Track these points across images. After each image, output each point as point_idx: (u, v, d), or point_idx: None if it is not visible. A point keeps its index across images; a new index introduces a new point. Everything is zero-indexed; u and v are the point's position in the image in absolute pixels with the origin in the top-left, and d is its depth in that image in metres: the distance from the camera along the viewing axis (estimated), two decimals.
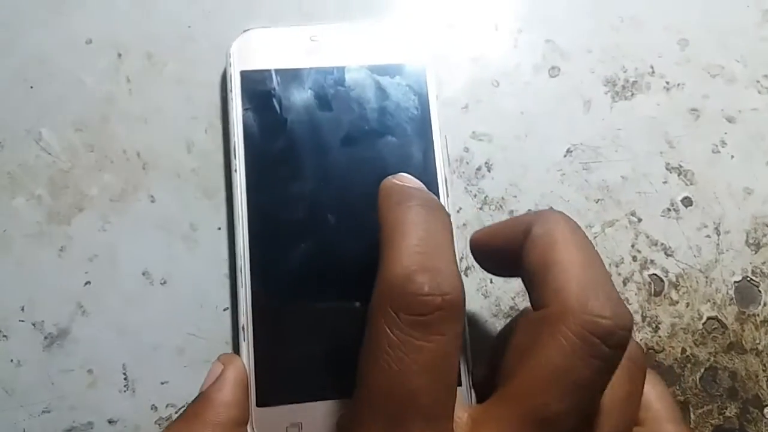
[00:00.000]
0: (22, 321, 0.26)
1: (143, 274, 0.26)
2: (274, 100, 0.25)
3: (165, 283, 0.26)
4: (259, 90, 0.25)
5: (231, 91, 0.25)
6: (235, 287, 0.24)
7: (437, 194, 0.25)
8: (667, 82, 0.30)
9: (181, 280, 0.26)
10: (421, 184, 0.21)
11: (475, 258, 0.23)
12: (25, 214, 0.27)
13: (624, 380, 0.18)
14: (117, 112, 0.28)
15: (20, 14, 0.28)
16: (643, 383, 0.19)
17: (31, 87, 0.28)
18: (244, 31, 0.26)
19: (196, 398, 0.21)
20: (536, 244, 0.18)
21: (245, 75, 0.25)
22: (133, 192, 0.27)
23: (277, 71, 0.25)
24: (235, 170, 0.24)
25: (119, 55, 0.28)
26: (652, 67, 0.30)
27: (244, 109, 0.25)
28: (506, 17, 0.30)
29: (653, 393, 0.21)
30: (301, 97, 0.25)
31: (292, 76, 0.26)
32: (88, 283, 0.26)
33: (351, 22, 0.28)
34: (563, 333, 0.16)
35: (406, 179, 0.21)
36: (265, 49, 0.26)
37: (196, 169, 0.27)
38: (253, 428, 0.22)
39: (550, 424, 0.16)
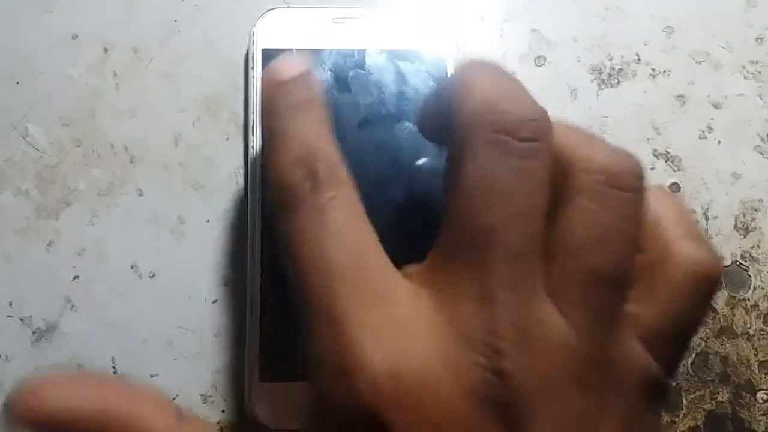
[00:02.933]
0: (10, 316, 0.26)
1: (132, 267, 0.26)
2: None
3: (154, 276, 0.26)
4: None
5: (252, 68, 0.25)
6: (245, 261, 0.24)
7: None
8: (653, 70, 0.30)
9: (170, 273, 0.26)
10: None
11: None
12: (12, 210, 0.26)
13: (587, 205, 0.16)
14: (104, 107, 0.28)
15: (5, 10, 0.28)
16: (637, 210, 0.17)
17: (17, 82, 0.28)
18: (268, 10, 0.26)
19: None
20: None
21: (267, 53, 0.26)
22: (120, 186, 0.27)
23: (298, 51, 0.26)
24: (252, 147, 0.25)
25: (105, 50, 0.28)
26: (637, 55, 0.30)
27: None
28: (491, 7, 0.30)
29: (665, 212, 0.18)
30: (320, 77, 0.26)
31: (313, 56, 0.26)
32: (76, 277, 0.26)
33: (374, 6, 0.28)
34: (471, 143, 0.16)
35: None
36: (287, 28, 0.26)
37: (184, 163, 0.27)
38: (252, 404, 0.22)
39: (486, 239, 0.15)
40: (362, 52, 0.26)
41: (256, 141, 0.25)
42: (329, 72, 0.26)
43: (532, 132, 0.16)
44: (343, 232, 0.16)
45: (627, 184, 0.16)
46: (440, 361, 0.15)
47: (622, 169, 0.16)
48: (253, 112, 0.25)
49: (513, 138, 0.16)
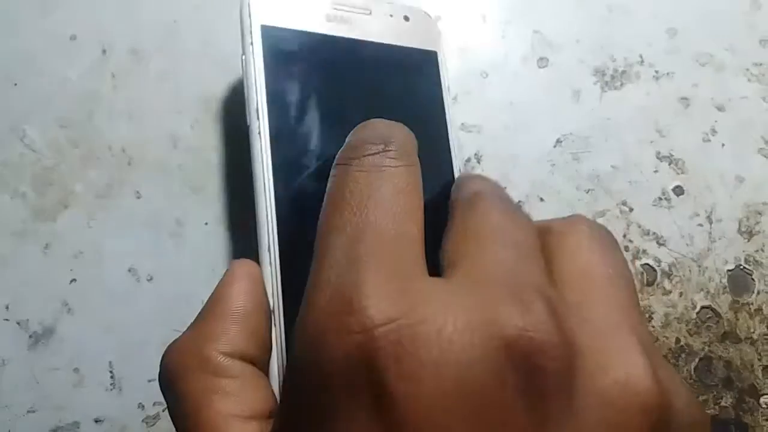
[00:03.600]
0: (7, 320, 0.25)
1: (129, 270, 0.26)
2: (296, 62, 0.23)
3: (151, 279, 0.26)
4: (282, 49, 0.23)
5: (251, 44, 0.22)
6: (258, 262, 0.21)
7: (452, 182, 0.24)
8: (657, 71, 0.29)
9: (168, 277, 0.26)
10: None
11: None
12: (9, 212, 0.26)
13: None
14: (102, 109, 0.27)
15: (3, 11, 0.28)
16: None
17: (15, 84, 0.27)
18: None
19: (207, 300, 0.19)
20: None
21: (266, 30, 0.23)
22: (118, 188, 0.27)
23: (299, 32, 0.23)
24: (259, 133, 0.21)
25: (104, 51, 0.28)
26: (641, 57, 0.30)
27: (266, 66, 0.22)
28: (494, 8, 0.30)
29: None
30: (321, 65, 0.23)
31: (311, 39, 0.24)
32: (73, 280, 0.26)
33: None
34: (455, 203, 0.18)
35: None
36: (286, 5, 0.24)
37: (182, 165, 0.27)
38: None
39: (490, 275, 0.15)
40: (359, 43, 0.25)
41: (262, 127, 0.21)
42: (328, 58, 0.24)
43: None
44: (394, 199, 0.16)
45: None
46: (463, 320, 0.13)
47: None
48: (256, 93, 0.22)
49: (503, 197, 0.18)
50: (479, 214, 0.17)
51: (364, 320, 0.13)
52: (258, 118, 0.21)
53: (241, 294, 0.18)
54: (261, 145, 0.21)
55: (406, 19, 0.26)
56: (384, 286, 0.14)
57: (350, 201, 0.16)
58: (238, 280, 0.18)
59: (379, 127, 0.18)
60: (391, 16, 0.26)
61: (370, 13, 0.26)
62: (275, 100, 0.22)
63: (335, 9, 0.25)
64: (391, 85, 0.25)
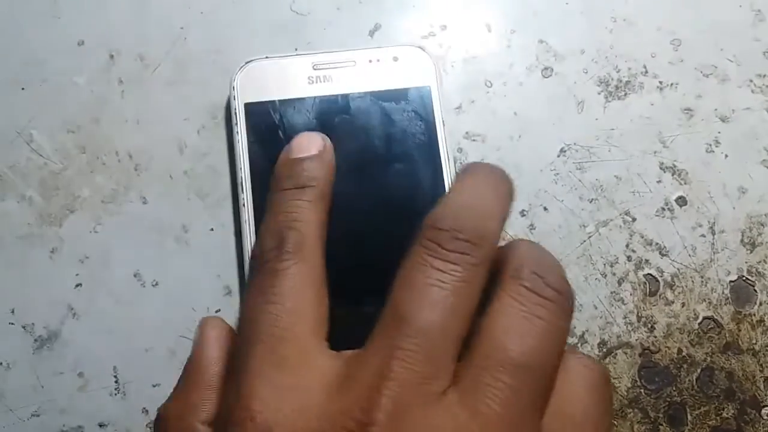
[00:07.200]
0: (12, 323, 0.25)
1: (135, 275, 0.26)
2: (280, 132, 0.25)
3: (157, 284, 0.26)
4: (265, 122, 0.25)
5: (236, 124, 0.25)
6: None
7: None
8: (661, 82, 0.30)
9: (173, 282, 0.26)
10: None
11: None
12: (15, 216, 0.26)
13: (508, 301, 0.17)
14: (109, 114, 0.28)
15: (12, 16, 0.28)
16: (552, 313, 0.17)
17: (23, 88, 0.28)
18: (247, 62, 0.26)
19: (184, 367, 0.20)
20: None
21: (250, 108, 0.25)
22: (124, 193, 0.27)
23: (281, 102, 0.25)
24: (243, 204, 0.24)
25: (111, 56, 0.28)
26: (645, 67, 0.30)
27: (250, 142, 0.25)
28: (499, 18, 0.30)
29: None
30: (306, 127, 0.25)
31: (296, 105, 0.25)
32: (79, 285, 0.26)
33: (352, 49, 0.27)
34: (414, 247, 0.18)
35: None
36: (268, 79, 0.26)
37: (189, 171, 0.27)
38: None
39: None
40: (345, 97, 0.26)
41: (246, 198, 0.24)
42: (314, 120, 0.25)
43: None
44: (286, 298, 0.18)
45: (549, 293, 0.17)
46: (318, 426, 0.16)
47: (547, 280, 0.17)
48: (241, 169, 0.24)
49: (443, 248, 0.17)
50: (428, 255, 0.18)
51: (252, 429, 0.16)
52: (242, 191, 0.24)
53: (213, 361, 0.19)
54: (246, 214, 0.24)
55: (395, 59, 0.26)
56: (267, 394, 0.16)
57: (246, 318, 0.18)
58: (211, 344, 0.20)
59: (276, 221, 0.20)
60: (378, 60, 0.26)
61: (355, 63, 0.26)
62: (258, 173, 0.24)
63: (316, 69, 0.26)
64: (380, 130, 0.25)
